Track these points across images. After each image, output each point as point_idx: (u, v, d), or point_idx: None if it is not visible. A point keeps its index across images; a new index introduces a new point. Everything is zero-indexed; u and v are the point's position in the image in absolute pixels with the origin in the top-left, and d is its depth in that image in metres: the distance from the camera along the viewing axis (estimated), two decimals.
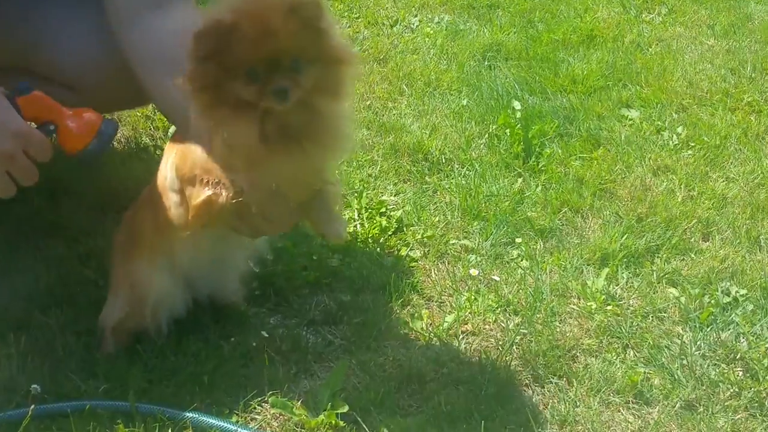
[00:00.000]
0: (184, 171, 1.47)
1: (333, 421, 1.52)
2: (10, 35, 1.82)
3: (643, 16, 3.48)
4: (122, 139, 2.39)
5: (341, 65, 1.41)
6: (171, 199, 1.50)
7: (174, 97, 1.57)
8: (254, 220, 1.49)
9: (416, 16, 3.36)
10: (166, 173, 1.51)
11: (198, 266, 1.64)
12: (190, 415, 1.51)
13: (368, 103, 2.68)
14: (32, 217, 1.97)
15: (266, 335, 1.73)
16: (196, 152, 1.43)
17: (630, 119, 2.65)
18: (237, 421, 1.53)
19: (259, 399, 1.59)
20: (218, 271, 1.70)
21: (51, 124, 1.51)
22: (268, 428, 1.54)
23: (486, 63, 2.99)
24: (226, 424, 1.51)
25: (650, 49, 3.17)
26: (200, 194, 1.44)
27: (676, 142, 2.52)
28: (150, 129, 2.44)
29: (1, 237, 1.91)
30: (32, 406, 1.48)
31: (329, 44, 1.39)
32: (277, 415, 1.56)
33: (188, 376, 1.61)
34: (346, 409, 1.55)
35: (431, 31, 3.21)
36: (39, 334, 1.68)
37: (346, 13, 3.34)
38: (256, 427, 1.54)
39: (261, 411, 1.57)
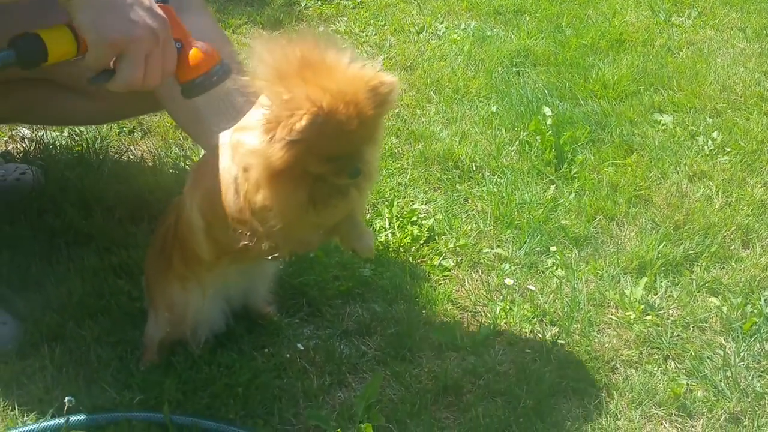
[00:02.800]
0: (213, 216, 1.44)
1: None
2: None
3: (673, 19, 3.43)
4: (152, 150, 2.40)
5: (386, 111, 1.37)
6: (198, 238, 1.48)
7: (187, 107, 1.56)
8: (284, 249, 1.49)
9: (442, 22, 3.34)
10: (193, 213, 1.48)
11: (228, 287, 1.64)
12: (225, 426, 1.50)
13: (396, 111, 2.66)
14: (66, 229, 1.98)
15: (301, 347, 1.71)
16: (226, 198, 1.39)
17: (663, 124, 2.61)
18: None
19: (294, 411, 1.58)
20: (248, 285, 1.70)
21: (178, 42, 1.40)
22: None
23: (514, 69, 2.96)
24: None
25: (681, 53, 3.12)
26: (234, 241, 1.42)
27: (712, 148, 2.47)
28: (179, 139, 2.44)
29: (36, 249, 1.92)
30: (67, 418, 1.48)
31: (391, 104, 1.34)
32: (313, 427, 1.54)
33: (223, 387, 1.60)
34: (382, 421, 1.53)
35: (458, 38, 3.19)
36: (73, 346, 1.69)
37: (372, 21, 3.33)
38: None
39: (296, 423, 1.56)
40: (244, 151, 1.36)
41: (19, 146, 2.35)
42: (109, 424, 1.51)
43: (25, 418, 1.53)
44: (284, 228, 1.37)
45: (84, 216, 2.03)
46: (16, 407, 1.55)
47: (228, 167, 1.40)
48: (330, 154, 1.31)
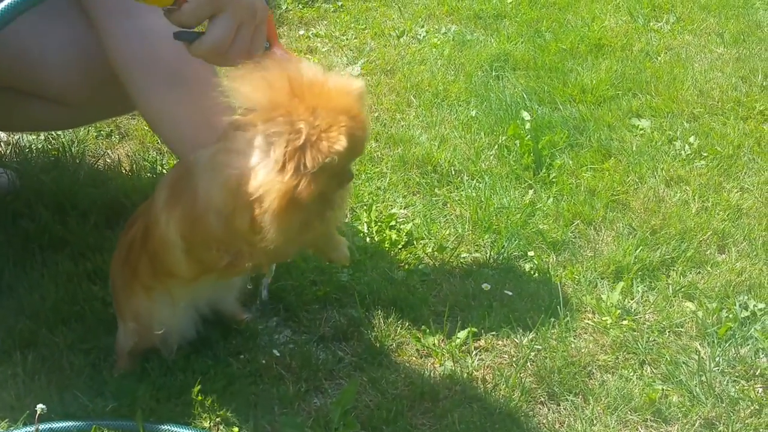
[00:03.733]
0: (195, 238, 1.42)
1: None
2: None
3: (651, 24, 3.46)
4: (130, 154, 2.38)
5: None
6: (177, 257, 1.45)
7: (166, 118, 1.56)
8: (267, 263, 1.50)
9: (423, 26, 3.35)
10: (170, 233, 1.44)
11: (198, 297, 1.62)
12: None
13: (376, 114, 2.66)
14: (40, 233, 1.95)
15: (277, 353, 1.70)
16: (209, 222, 1.37)
17: (641, 129, 2.63)
18: None
19: (269, 417, 1.56)
20: (216, 294, 1.67)
21: (267, 42, 1.41)
22: None
23: (494, 73, 2.97)
24: None
25: (659, 58, 3.15)
26: (217, 261, 1.42)
27: (689, 152, 2.49)
28: (157, 143, 2.42)
29: (10, 253, 1.89)
30: (37, 426, 1.46)
31: None
32: None
33: (197, 394, 1.58)
34: (358, 428, 1.52)
35: (438, 42, 3.19)
36: (46, 353, 1.66)
37: (352, 25, 3.33)
38: None
39: (271, 430, 1.55)
40: (244, 180, 1.30)
41: None
42: None
43: None
44: (278, 246, 1.34)
45: (59, 220, 2.01)
46: None
47: (209, 190, 1.36)
48: (340, 168, 1.28)
